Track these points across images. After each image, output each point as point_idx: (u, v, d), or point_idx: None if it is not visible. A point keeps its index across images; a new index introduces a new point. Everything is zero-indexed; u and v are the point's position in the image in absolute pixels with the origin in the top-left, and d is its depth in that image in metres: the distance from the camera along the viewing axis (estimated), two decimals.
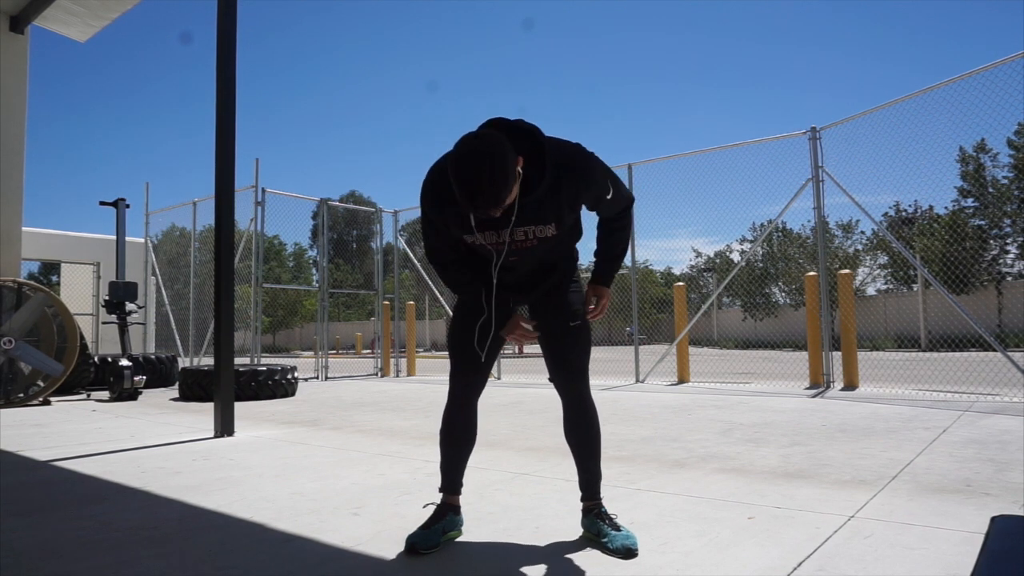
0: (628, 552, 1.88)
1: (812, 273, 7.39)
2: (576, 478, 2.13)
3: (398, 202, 33.65)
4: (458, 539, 2.07)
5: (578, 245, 2.14)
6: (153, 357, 9.20)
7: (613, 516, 2.03)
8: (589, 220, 2.08)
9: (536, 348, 2.19)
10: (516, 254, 1.89)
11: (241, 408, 5.72)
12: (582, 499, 2.09)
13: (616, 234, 2.08)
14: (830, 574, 1.70)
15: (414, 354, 11.31)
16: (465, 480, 2.16)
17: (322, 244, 11.27)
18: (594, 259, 2.12)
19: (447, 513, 2.06)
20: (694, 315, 8.99)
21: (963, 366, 7.85)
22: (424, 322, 28.65)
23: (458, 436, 2.10)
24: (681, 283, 8.60)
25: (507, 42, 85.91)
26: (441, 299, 12.25)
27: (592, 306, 2.08)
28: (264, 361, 9.44)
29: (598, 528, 1.99)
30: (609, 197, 1.93)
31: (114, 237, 9.26)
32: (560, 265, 2.06)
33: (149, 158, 74.67)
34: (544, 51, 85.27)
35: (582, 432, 2.09)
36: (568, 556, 1.91)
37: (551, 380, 2.12)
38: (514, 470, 3.07)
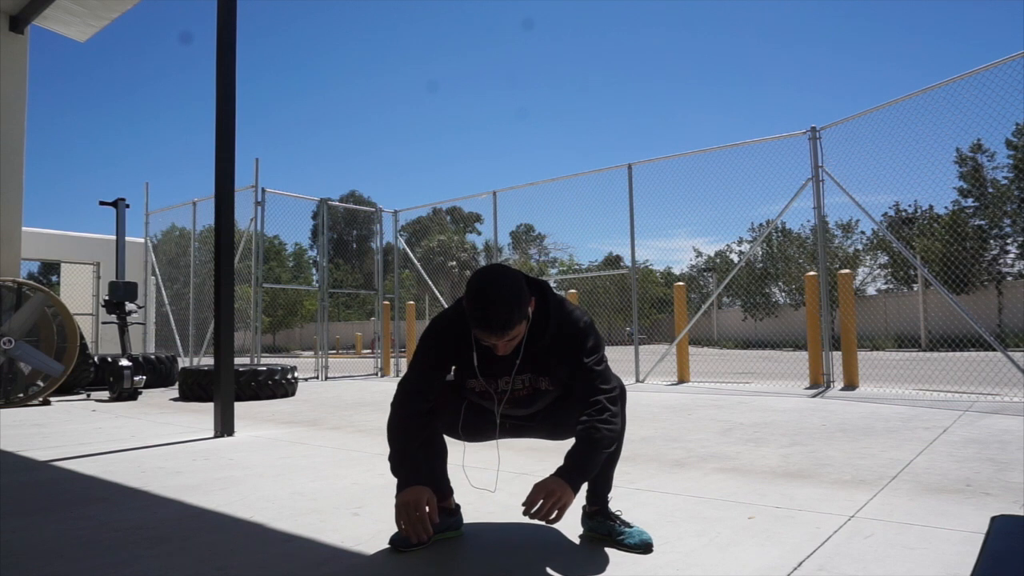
0: (647, 547, 1.91)
1: (812, 273, 7.39)
2: None
3: (398, 202, 33.69)
4: (458, 539, 2.08)
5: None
6: (153, 357, 9.20)
7: (618, 513, 2.03)
8: None
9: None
10: (511, 402, 1.99)
11: (241, 408, 5.72)
12: (588, 503, 2.07)
13: (598, 430, 1.79)
14: (830, 574, 1.70)
15: None
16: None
17: (322, 244, 11.27)
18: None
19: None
20: (694, 315, 8.99)
21: (963, 366, 7.85)
22: (424, 322, 28.62)
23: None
24: (681, 283, 8.60)
25: (507, 42, 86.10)
26: (441, 299, 12.24)
27: (535, 507, 1.73)
28: (264, 361, 9.44)
29: (609, 528, 1.98)
30: (587, 360, 1.89)
31: (114, 237, 9.27)
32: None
33: (149, 158, 74.95)
34: (544, 51, 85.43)
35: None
36: (568, 556, 1.91)
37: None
38: (514, 470, 3.07)
